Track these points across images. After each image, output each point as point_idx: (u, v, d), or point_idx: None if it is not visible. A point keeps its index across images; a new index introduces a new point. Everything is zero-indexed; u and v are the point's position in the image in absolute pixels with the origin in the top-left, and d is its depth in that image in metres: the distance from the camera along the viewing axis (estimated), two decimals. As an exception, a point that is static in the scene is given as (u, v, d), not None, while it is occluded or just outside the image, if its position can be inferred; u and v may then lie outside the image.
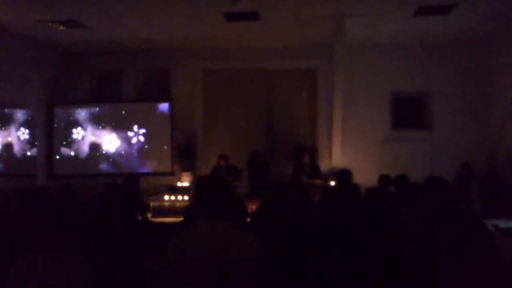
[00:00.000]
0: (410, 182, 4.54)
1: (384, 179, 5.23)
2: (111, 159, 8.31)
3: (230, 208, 2.03)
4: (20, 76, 7.36)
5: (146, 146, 8.26)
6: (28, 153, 8.57)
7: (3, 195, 4.40)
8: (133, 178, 5.58)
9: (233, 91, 8.45)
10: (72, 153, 8.38)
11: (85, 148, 8.38)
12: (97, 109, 8.38)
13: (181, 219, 4.68)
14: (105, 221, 3.47)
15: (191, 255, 1.90)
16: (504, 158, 7.21)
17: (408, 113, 8.35)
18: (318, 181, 6.58)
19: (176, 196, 6.50)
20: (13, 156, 8.62)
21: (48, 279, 2.03)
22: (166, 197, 6.50)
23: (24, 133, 8.58)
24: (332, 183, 6.60)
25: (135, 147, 8.28)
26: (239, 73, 8.38)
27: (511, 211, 5.58)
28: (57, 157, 8.38)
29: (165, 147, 8.16)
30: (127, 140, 8.28)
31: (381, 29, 7.16)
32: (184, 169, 8.09)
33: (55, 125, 8.39)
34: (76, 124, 8.38)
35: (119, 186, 4.74)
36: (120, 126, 8.30)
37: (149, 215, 5.95)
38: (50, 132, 8.37)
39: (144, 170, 8.12)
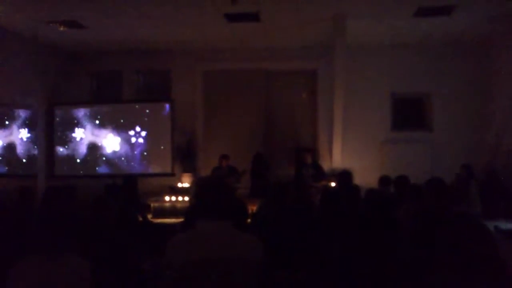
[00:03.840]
0: (410, 183, 4.54)
1: (384, 180, 5.22)
2: (111, 160, 8.30)
3: (230, 209, 2.03)
4: (20, 76, 7.35)
5: (146, 147, 8.25)
6: (30, 154, 8.55)
7: (4, 196, 4.40)
8: (131, 179, 5.56)
9: (233, 91, 8.44)
10: (72, 154, 8.37)
11: (85, 149, 8.37)
12: (97, 109, 8.38)
13: (181, 220, 4.67)
14: (105, 221, 3.47)
15: (191, 256, 1.90)
16: (505, 159, 7.21)
17: (408, 114, 8.36)
18: (324, 182, 6.56)
19: (176, 197, 6.51)
20: (15, 156, 8.61)
21: (49, 279, 2.04)
22: (167, 198, 6.52)
23: (25, 134, 8.57)
24: (333, 184, 6.60)
25: (136, 148, 8.27)
26: (239, 73, 8.38)
27: (511, 212, 5.58)
28: (58, 156, 8.37)
29: (165, 147, 8.15)
30: (128, 141, 8.26)
31: (381, 30, 7.16)
32: (185, 170, 8.08)
33: (56, 125, 8.38)
34: (76, 124, 8.37)
35: (119, 186, 4.75)
36: (120, 126, 8.28)
37: (149, 216, 5.95)
38: (51, 132, 8.36)
39: (144, 171, 8.11)
